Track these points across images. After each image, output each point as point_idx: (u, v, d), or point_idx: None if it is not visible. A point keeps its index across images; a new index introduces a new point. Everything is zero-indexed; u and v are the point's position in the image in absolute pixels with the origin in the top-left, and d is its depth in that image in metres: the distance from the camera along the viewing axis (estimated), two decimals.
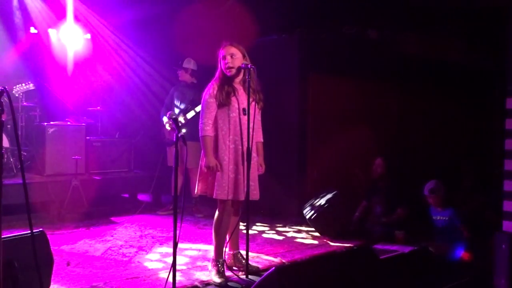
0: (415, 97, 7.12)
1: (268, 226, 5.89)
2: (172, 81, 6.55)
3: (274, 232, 5.62)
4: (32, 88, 6.46)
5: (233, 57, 3.91)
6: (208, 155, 3.85)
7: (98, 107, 7.41)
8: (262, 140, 4.18)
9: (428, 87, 7.29)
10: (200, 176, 4.01)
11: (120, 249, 4.75)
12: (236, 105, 3.91)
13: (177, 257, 3.29)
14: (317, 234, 5.48)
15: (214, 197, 3.91)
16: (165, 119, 6.16)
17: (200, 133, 3.91)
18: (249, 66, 3.86)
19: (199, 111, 4.10)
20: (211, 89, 3.92)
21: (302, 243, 5.16)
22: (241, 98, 3.93)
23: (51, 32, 7.93)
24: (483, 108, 7.89)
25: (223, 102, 3.87)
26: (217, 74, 3.99)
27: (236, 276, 3.95)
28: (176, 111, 6.16)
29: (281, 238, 5.37)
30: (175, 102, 6.27)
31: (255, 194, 4.00)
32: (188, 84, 6.30)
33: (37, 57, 7.80)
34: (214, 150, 3.90)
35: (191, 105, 6.08)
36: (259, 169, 4.10)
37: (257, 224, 5.90)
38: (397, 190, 5.63)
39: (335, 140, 6.26)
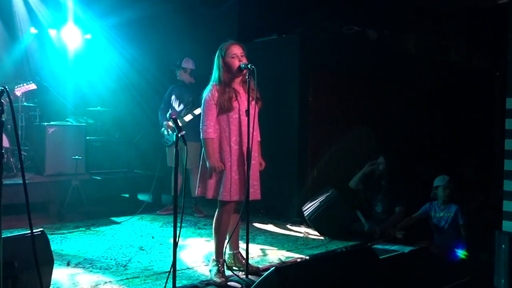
0: (415, 97, 7.11)
1: (268, 226, 5.89)
2: (171, 81, 6.55)
3: (274, 232, 5.62)
4: (34, 88, 6.46)
5: (244, 56, 3.91)
6: (212, 157, 3.82)
7: (98, 107, 7.42)
8: (259, 139, 4.17)
9: (428, 87, 7.29)
10: (200, 177, 3.99)
11: (120, 249, 4.75)
12: (237, 107, 3.90)
13: (177, 257, 3.29)
14: (317, 234, 5.49)
15: (218, 198, 3.89)
16: (160, 116, 6.20)
17: (202, 135, 3.87)
18: (249, 66, 3.84)
19: (199, 113, 4.07)
20: (212, 92, 3.86)
21: (302, 243, 5.16)
22: (242, 99, 3.92)
23: (51, 32, 7.94)
24: (483, 108, 7.90)
25: (225, 108, 3.84)
26: (218, 75, 3.90)
27: (236, 276, 3.95)
28: (176, 111, 6.14)
29: (281, 238, 5.37)
30: (174, 102, 6.25)
31: (257, 194, 4.00)
32: (186, 84, 6.28)
33: (37, 57, 7.81)
34: (217, 152, 3.88)
35: (190, 106, 6.07)
36: (260, 166, 4.10)
37: (257, 224, 5.90)
38: (397, 189, 5.63)
39: (335, 139, 6.26)
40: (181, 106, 6.18)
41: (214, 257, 3.98)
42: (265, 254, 4.69)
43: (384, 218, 5.58)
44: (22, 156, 6.40)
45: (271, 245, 5.06)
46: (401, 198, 5.58)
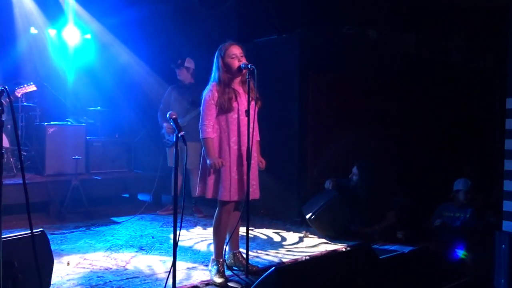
0: (415, 97, 7.11)
1: (268, 226, 5.89)
2: (171, 81, 6.54)
3: (274, 232, 5.62)
4: (35, 89, 6.47)
5: (243, 56, 3.91)
6: (211, 155, 3.82)
7: (98, 107, 7.42)
8: (259, 138, 4.16)
9: (428, 87, 7.29)
10: (200, 177, 4.00)
11: (120, 249, 4.75)
12: (237, 108, 3.90)
13: (177, 257, 3.29)
14: (317, 234, 5.48)
15: (218, 198, 3.90)
16: (160, 118, 6.20)
17: (201, 134, 3.88)
18: (249, 66, 3.84)
19: (199, 113, 4.06)
20: (212, 92, 3.86)
21: (302, 243, 5.16)
22: (241, 99, 3.92)
23: (51, 32, 7.94)
24: (483, 108, 7.90)
25: (225, 108, 3.84)
26: (217, 75, 3.89)
27: (236, 276, 3.95)
28: (176, 112, 6.12)
29: (281, 238, 5.37)
30: (175, 103, 6.24)
31: (256, 193, 4.00)
32: (186, 85, 6.28)
33: (37, 57, 7.81)
34: (217, 151, 3.88)
35: (191, 106, 6.06)
36: (261, 164, 4.10)
37: (257, 224, 5.90)
38: (377, 196, 5.56)
39: (335, 139, 6.25)
40: (182, 106, 6.16)
41: (214, 257, 3.98)
42: (265, 254, 4.69)
43: (376, 227, 5.50)
44: (22, 156, 6.41)
45: (271, 245, 5.06)
46: (387, 203, 5.53)
